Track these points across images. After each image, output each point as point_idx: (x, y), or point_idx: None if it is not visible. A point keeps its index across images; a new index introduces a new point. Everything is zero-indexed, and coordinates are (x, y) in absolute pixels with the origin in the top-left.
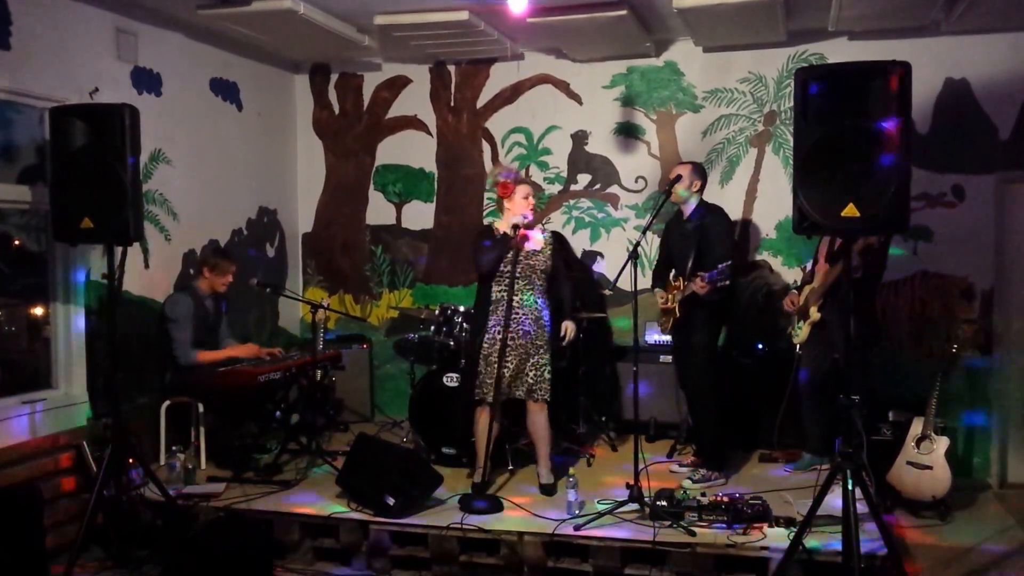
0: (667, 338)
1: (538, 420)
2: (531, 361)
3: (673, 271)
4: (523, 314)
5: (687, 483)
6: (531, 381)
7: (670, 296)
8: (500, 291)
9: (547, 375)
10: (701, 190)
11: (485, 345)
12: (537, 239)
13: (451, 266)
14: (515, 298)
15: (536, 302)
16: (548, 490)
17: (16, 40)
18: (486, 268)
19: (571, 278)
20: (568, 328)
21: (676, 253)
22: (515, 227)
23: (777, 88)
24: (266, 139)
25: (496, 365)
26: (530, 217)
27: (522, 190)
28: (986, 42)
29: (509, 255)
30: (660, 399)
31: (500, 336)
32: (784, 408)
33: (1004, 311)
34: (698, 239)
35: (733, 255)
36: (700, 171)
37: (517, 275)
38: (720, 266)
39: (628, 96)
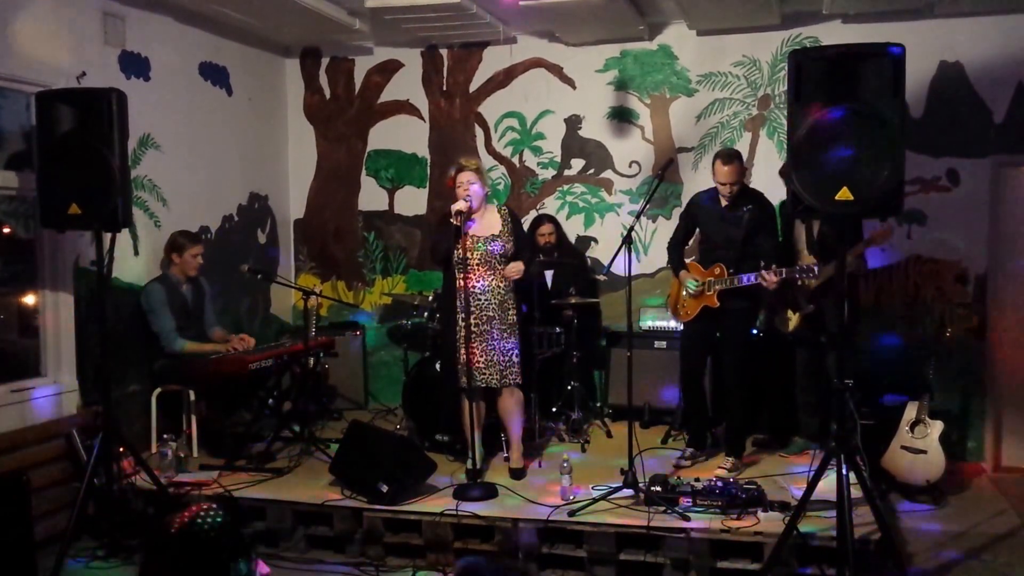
0: (662, 323)
1: (508, 403)
2: (499, 347)
3: (704, 250)
4: (486, 300)
5: (720, 471)
6: (501, 367)
7: (705, 284)
8: (461, 278)
9: (515, 358)
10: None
11: (459, 333)
12: (488, 223)
13: None
14: (477, 284)
15: (499, 287)
16: (517, 474)
17: (1, 24)
18: (435, 256)
19: (562, 262)
20: (514, 267)
21: (717, 237)
22: (458, 213)
23: (771, 72)
24: (256, 124)
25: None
26: (472, 203)
27: (460, 178)
28: (980, 25)
29: (461, 243)
30: (655, 385)
31: (464, 323)
32: (774, 394)
33: (998, 295)
34: (749, 227)
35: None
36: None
37: (477, 262)
38: (806, 265)
39: (622, 80)
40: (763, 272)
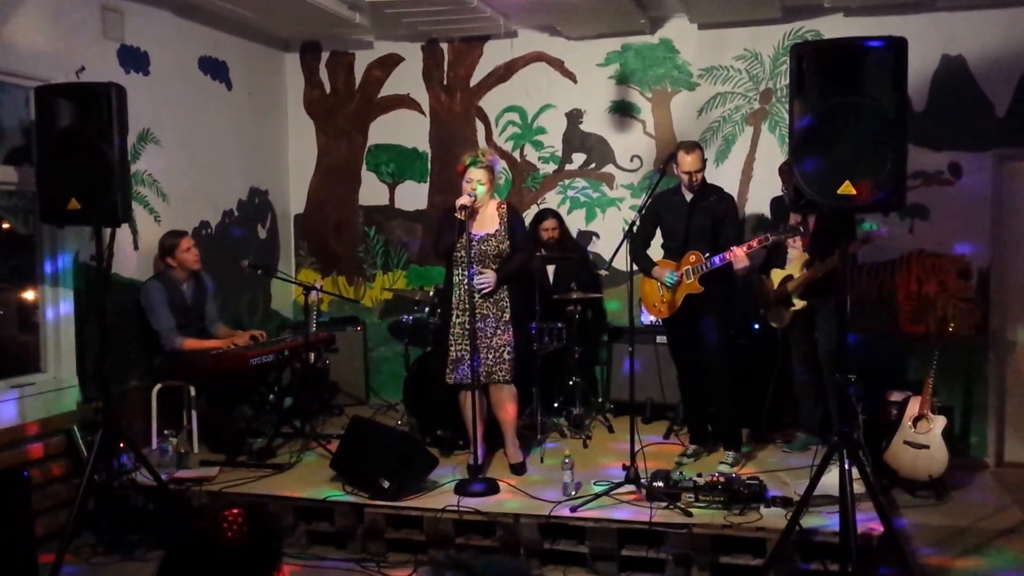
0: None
1: (498, 398)
2: (490, 343)
3: (670, 246)
4: (480, 297)
5: (723, 467)
6: (491, 363)
7: (682, 272)
8: (459, 275)
9: (507, 356)
10: None
11: (453, 329)
12: (484, 221)
13: None
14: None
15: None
16: (518, 469)
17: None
18: (438, 251)
19: (560, 257)
20: (488, 278)
21: (686, 229)
22: (462, 208)
23: (773, 65)
24: (256, 119)
25: (464, 349)
26: (476, 199)
27: (470, 173)
28: (982, 18)
29: (462, 239)
30: (656, 380)
31: (459, 320)
32: (774, 389)
33: (1001, 289)
34: (715, 216)
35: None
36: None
37: (472, 259)
38: (789, 223)
39: (623, 74)
40: (734, 248)
